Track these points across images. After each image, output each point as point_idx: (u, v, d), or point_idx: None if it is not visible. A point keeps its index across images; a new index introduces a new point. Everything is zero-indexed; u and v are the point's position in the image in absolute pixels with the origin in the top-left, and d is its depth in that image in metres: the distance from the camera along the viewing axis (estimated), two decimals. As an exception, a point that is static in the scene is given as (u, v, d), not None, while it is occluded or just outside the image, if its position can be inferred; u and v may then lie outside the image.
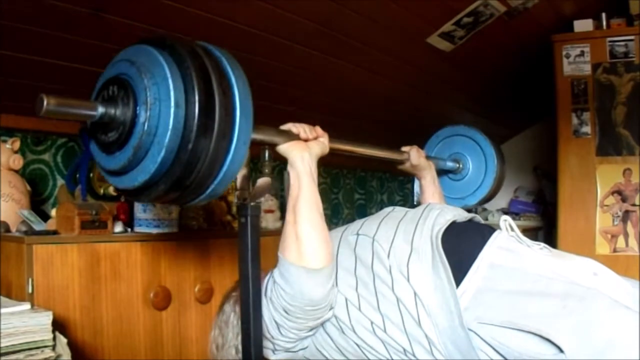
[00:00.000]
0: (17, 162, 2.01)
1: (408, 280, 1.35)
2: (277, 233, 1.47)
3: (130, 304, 1.84)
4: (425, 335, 1.31)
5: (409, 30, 2.73)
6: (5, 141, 2.04)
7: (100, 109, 1.13)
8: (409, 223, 1.48)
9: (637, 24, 3.14)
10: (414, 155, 1.96)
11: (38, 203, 2.22)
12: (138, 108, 1.10)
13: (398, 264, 1.38)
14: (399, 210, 1.60)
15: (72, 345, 1.46)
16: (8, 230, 1.88)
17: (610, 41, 3.16)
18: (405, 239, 1.43)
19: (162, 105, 1.08)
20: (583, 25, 3.21)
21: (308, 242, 1.36)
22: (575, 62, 3.22)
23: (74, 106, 1.15)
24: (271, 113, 2.93)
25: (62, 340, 1.42)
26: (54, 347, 1.38)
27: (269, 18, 2.20)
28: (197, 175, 1.14)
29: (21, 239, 1.67)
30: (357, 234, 1.50)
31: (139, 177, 1.14)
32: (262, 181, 1.41)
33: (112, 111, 1.13)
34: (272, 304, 1.39)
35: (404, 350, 1.34)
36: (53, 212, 1.94)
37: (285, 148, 1.45)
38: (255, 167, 1.40)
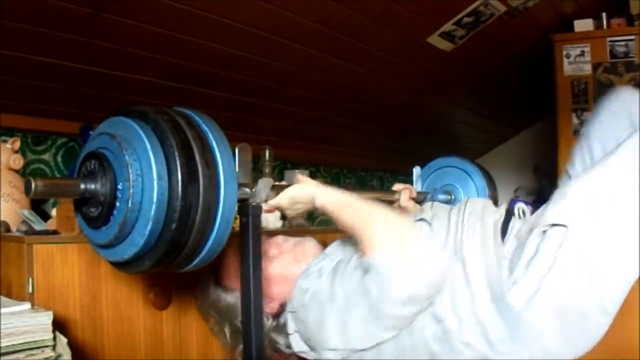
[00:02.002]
0: (18, 161, 2.01)
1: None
2: (278, 233, 1.48)
3: (131, 304, 1.84)
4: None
5: (410, 30, 2.74)
6: (5, 141, 2.04)
7: (82, 185, 1.14)
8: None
9: (638, 24, 3.14)
10: (404, 197, 1.93)
11: (38, 203, 2.22)
12: (120, 185, 1.11)
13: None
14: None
15: (72, 344, 1.46)
16: (8, 230, 1.88)
17: (610, 41, 3.17)
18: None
19: (145, 180, 1.09)
20: (583, 25, 3.22)
21: (398, 219, 1.34)
22: (576, 61, 3.22)
23: (61, 185, 1.20)
24: (270, 113, 2.94)
25: (63, 339, 1.42)
26: (54, 347, 1.38)
27: (268, 17, 2.20)
28: (187, 245, 1.15)
29: (21, 239, 1.67)
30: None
31: (128, 250, 1.15)
32: (264, 181, 1.40)
33: (92, 186, 1.14)
34: (384, 305, 1.25)
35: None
36: (53, 212, 1.94)
37: (295, 192, 1.43)
38: (255, 166, 1.40)
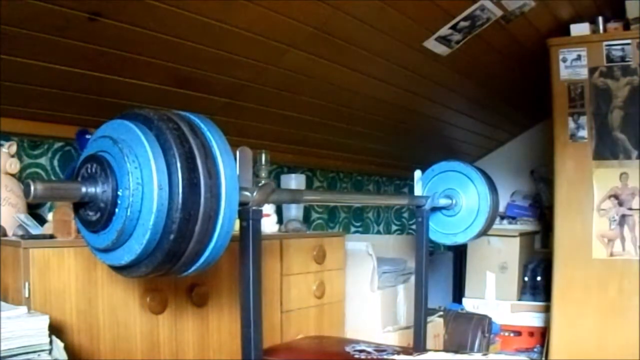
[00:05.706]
0: (14, 166, 2.01)
1: None
2: (274, 237, 1.47)
3: (127, 308, 1.84)
4: None
5: (406, 34, 2.74)
6: (1, 145, 2.04)
7: (83, 189, 1.13)
8: None
9: (634, 28, 3.15)
10: None
11: (34, 207, 2.22)
12: (120, 191, 1.09)
13: None
14: None
15: (68, 349, 1.46)
16: (5, 234, 1.88)
17: (607, 45, 3.17)
18: None
19: (145, 189, 1.08)
20: (580, 29, 3.22)
21: None
22: (572, 66, 3.23)
23: (61, 188, 1.18)
24: (266, 116, 2.94)
25: (59, 344, 1.42)
26: (50, 351, 1.38)
27: (264, 22, 2.21)
28: (185, 254, 1.15)
29: (18, 243, 1.67)
30: None
31: (125, 256, 1.14)
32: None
33: (92, 190, 1.13)
34: None
35: None
36: (50, 216, 1.94)
37: None
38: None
